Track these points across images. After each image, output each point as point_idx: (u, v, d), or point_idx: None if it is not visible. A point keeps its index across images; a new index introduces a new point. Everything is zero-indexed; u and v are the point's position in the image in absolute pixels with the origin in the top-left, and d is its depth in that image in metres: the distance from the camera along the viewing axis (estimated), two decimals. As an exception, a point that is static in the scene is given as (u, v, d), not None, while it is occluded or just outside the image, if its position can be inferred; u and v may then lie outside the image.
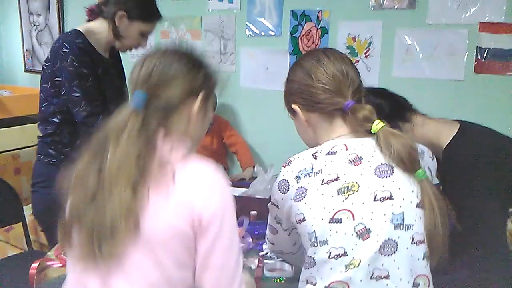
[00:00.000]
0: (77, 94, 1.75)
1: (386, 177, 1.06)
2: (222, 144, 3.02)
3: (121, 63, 2.08)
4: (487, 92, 2.37)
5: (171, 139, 1.01)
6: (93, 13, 1.87)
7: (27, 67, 4.18)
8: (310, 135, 1.21)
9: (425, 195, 1.06)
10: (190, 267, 0.99)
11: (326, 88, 1.12)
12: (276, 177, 1.17)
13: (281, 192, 1.13)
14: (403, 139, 1.07)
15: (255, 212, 1.85)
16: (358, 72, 1.17)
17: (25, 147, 3.33)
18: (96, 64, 1.82)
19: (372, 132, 1.09)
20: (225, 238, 0.97)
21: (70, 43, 1.76)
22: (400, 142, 1.06)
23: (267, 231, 1.30)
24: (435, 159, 1.21)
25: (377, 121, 1.09)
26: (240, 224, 1.67)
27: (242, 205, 1.88)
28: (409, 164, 1.07)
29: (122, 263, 0.95)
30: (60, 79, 1.77)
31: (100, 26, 1.85)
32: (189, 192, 0.95)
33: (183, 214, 0.94)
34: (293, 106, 1.20)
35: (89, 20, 1.89)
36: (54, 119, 1.84)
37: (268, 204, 1.23)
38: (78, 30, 1.81)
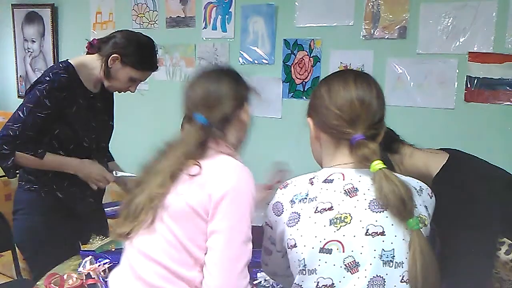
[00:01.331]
0: (21, 115, 1.74)
1: (380, 211, 1.05)
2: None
3: (112, 98, 2.08)
4: (477, 120, 2.40)
5: (223, 144, 1.22)
6: (92, 48, 1.89)
7: (20, 93, 4.18)
8: (318, 149, 1.20)
9: (412, 246, 1.03)
10: (201, 243, 1.13)
11: (339, 115, 1.09)
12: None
13: (275, 214, 1.13)
14: (395, 187, 1.03)
15: (248, 240, 1.83)
16: (384, 106, 1.13)
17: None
18: (75, 99, 1.81)
19: (371, 171, 1.07)
20: (232, 220, 1.11)
21: (55, 74, 1.77)
22: (391, 190, 1.03)
23: (262, 252, 1.29)
24: (434, 197, 1.17)
25: (377, 161, 1.06)
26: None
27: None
28: (397, 213, 1.04)
29: (151, 227, 1.17)
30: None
31: (94, 62, 1.85)
32: (207, 176, 1.14)
33: (198, 195, 1.12)
34: (308, 118, 1.19)
35: (87, 53, 1.91)
36: (10, 132, 1.76)
37: (263, 224, 1.23)
38: (69, 63, 1.82)
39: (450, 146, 1.56)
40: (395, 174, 1.07)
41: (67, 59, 1.86)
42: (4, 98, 4.35)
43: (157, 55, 1.92)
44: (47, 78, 1.75)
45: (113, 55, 1.80)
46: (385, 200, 1.04)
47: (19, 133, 1.72)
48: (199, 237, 1.13)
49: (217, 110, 1.20)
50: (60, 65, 1.82)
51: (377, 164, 1.06)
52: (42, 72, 1.87)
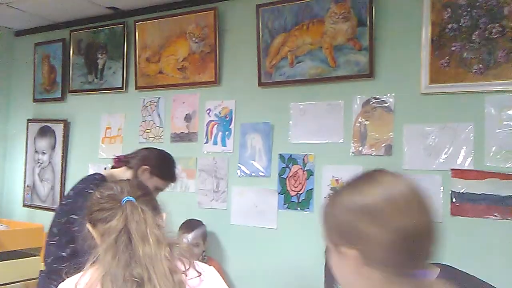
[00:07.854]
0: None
1: None
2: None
3: None
4: (464, 234, 2.45)
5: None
6: (120, 162, 2.10)
7: (25, 202, 4.29)
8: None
9: None
10: None
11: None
12: None
13: None
14: None
15: None
16: None
17: (16, 282, 3.30)
18: None
19: None
20: None
21: (96, 185, 1.90)
22: None
23: None
24: None
25: None
26: None
27: None
28: None
29: None
30: (76, 217, 1.86)
31: (122, 174, 2.05)
32: None
33: None
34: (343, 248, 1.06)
35: (113, 167, 2.11)
36: (63, 253, 1.88)
37: None
38: (102, 175, 2.00)
39: (440, 259, 1.60)
40: None
41: (98, 172, 2.03)
42: (9, 207, 4.45)
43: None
44: (92, 191, 1.87)
45: (143, 167, 2.03)
46: None
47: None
48: None
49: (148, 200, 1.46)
50: (96, 177, 1.99)
51: None
52: (79, 183, 2.00)
